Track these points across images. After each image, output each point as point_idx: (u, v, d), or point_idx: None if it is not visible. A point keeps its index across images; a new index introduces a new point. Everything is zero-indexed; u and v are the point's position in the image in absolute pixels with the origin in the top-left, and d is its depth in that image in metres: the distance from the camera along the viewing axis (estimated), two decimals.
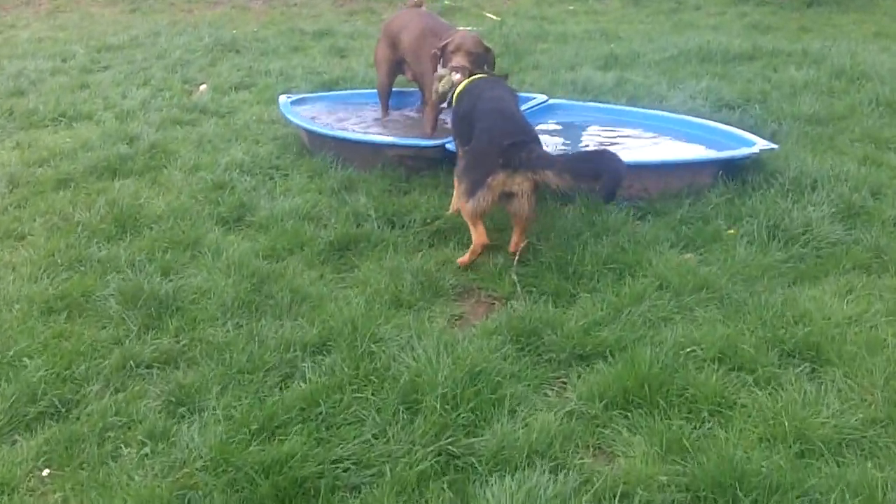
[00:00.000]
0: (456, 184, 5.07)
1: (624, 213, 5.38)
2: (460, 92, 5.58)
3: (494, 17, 12.10)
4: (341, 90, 7.89)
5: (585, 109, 7.00)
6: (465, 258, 4.91)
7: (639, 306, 4.29)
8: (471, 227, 4.87)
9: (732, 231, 5.15)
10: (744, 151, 5.74)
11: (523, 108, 6.50)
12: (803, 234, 4.99)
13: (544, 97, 7.05)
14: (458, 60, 6.08)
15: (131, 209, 5.50)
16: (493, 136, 4.87)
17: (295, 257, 4.99)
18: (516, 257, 4.82)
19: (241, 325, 4.22)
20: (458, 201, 5.05)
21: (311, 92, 7.81)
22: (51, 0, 13.75)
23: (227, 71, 9.00)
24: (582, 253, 4.79)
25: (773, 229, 5.07)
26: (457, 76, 5.82)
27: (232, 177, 6.02)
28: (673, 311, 4.28)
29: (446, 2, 13.17)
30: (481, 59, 6.25)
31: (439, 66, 6.16)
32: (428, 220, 5.35)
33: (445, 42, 6.33)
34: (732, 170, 5.74)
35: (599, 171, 4.58)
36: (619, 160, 4.58)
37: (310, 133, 6.56)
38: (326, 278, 4.74)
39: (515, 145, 4.76)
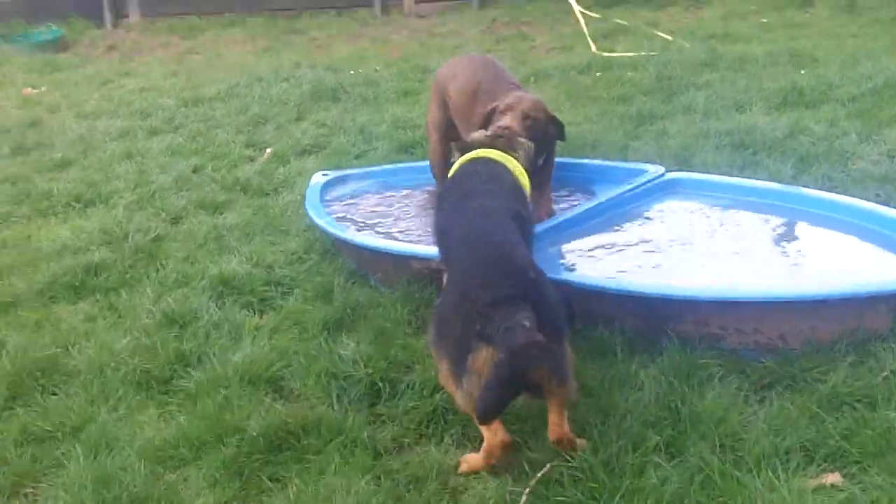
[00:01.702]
0: (434, 357, 3.26)
1: (734, 385, 3.37)
2: (445, 186, 3.83)
3: (666, 37, 9.96)
4: (400, 163, 6.14)
5: (716, 187, 4.90)
6: (476, 460, 3.17)
7: None
8: (477, 423, 3.10)
9: None
10: None
11: (631, 184, 4.59)
12: None
13: (659, 169, 5.01)
14: (507, 121, 4.30)
15: (39, 363, 4.03)
16: (466, 287, 3.14)
17: (205, 460, 3.33)
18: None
19: None
20: (444, 383, 3.23)
21: (364, 165, 6.14)
22: (189, 40, 12.85)
23: (307, 128, 7.48)
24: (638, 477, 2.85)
25: None
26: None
27: (201, 304, 4.45)
28: None
29: (617, 20, 11.12)
30: (539, 128, 4.41)
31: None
32: (426, 392, 3.56)
33: (496, 104, 4.54)
34: None
35: None
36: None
37: (326, 234, 4.90)
38: None
39: (498, 303, 2.96)
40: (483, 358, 2.95)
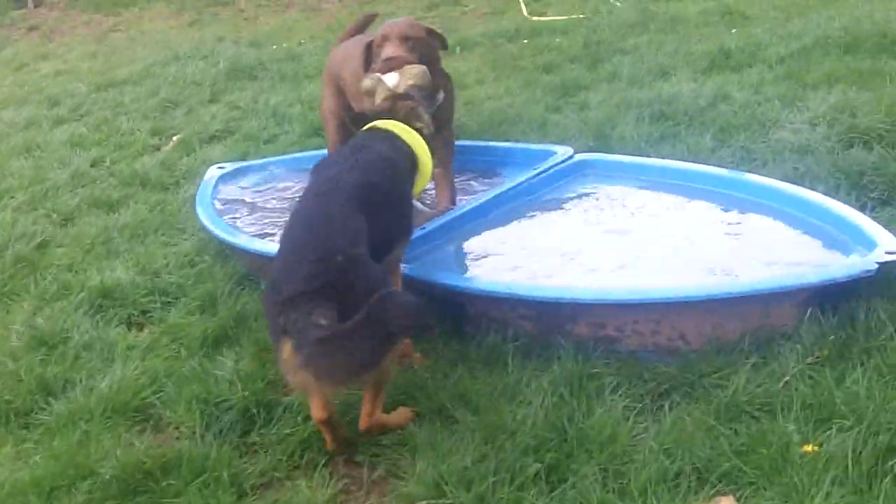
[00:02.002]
0: None
1: (628, 396, 3.13)
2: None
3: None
4: (306, 151, 5.80)
5: (627, 168, 4.63)
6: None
7: None
8: None
9: (810, 448, 2.79)
10: (851, 267, 3.30)
11: (536, 169, 4.31)
12: None
13: (567, 151, 4.73)
14: (390, 50, 4.02)
15: None
16: (275, 275, 3.03)
17: None
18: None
19: None
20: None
21: (268, 154, 5.80)
22: (113, 16, 12.36)
23: (218, 111, 7.12)
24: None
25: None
26: (392, 78, 3.75)
27: (74, 322, 4.14)
28: None
29: None
30: (422, 46, 4.27)
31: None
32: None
33: (370, 40, 4.31)
34: (834, 297, 3.33)
35: None
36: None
37: (212, 236, 4.59)
38: None
39: (296, 298, 2.84)
40: (286, 352, 2.84)
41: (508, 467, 2.85)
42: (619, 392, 3.18)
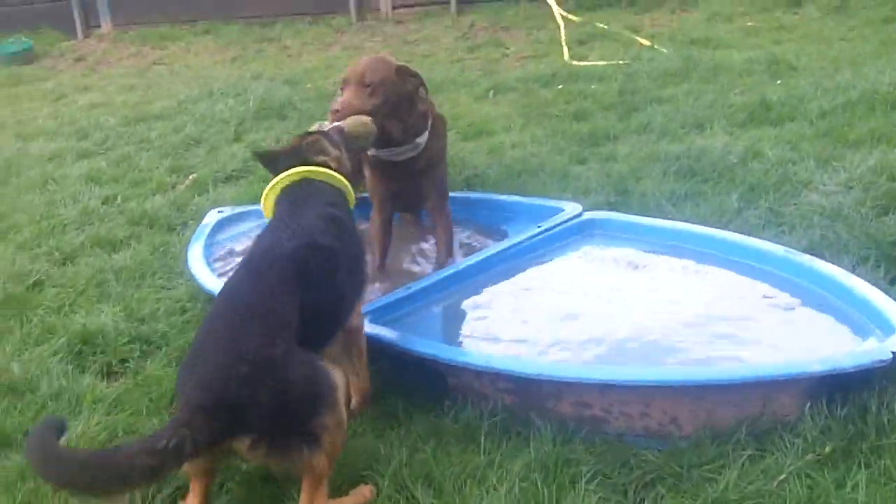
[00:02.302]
0: None
1: (604, 488, 2.85)
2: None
3: (645, 43, 9.39)
4: None
5: (638, 230, 4.35)
6: None
7: None
8: None
9: None
10: (862, 356, 2.99)
11: (542, 225, 4.07)
12: None
13: (576, 208, 4.47)
14: (345, 97, 3.95)
15: None
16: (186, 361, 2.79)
17: None
18: None
19: None
20: None
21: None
22: (159, 49, 12.40)
23: (239, 151, 6.99)
24: None
25: None
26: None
27: (46, 368, 3.97)
28: None
29: (599, 25, 10.53)
30: (389, 87, 4.00)
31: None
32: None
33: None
34: (843, 386, 3.02)
35: None
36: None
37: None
38: None
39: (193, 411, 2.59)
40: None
41: None
42: (597, 480, 2.90)
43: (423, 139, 4.14)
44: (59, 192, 6.43)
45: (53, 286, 4.91)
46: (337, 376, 2.81)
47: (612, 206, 5.03)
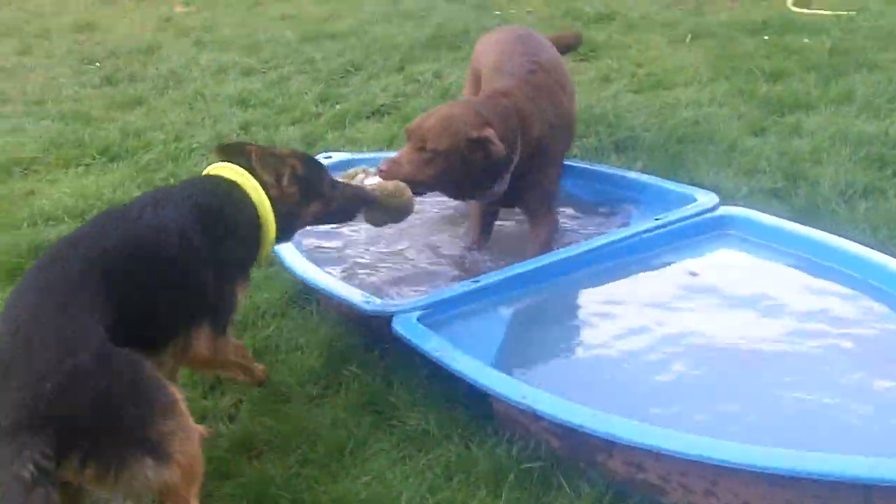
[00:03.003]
0: None
1: None
2: None
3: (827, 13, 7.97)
4: None
5: (784, 238, 3.54)
6: None
7: None
8: None
9: None
10: None
11: (662, 217, 3.42)
12: None
13: (711, 199, 3.71)
14: (398, 155, 3.49)
15: None
16: None
17: None
18: None
19: None
20: None
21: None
22: None
23: (393, 84, 6.53)
24: None
25: None
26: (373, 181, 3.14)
27: None
28: None
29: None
30: (449, 158, 3.45)
31: None
32: None
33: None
34: None
35: None
36: None
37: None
38: None
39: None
40: None
41: None
42: None
43: (501, 186, 3.53)
44: (204, 112, 6.22)
45: None
46: (174, 389, 2.38)
47: (776, 192, 4.25)
